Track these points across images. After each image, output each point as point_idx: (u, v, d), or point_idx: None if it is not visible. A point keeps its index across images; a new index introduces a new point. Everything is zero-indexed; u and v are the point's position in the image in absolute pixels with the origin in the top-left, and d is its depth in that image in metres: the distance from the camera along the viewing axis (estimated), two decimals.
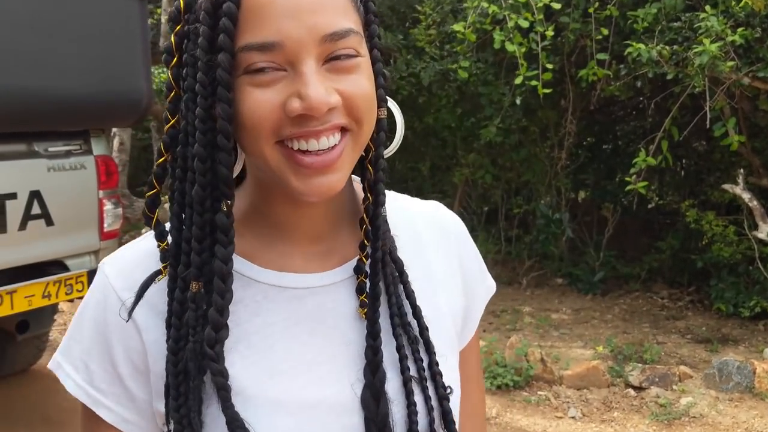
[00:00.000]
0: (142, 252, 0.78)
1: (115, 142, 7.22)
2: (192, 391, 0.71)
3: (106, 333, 0.76)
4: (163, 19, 6.94)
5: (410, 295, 0.79)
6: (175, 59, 0.70)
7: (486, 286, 0.91)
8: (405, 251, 0.81)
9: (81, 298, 3.70)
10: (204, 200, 0.69)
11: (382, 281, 0.76)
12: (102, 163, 3.89)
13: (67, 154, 3.71)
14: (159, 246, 0.74)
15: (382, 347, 0.75)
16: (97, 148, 3.90)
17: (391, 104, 0.79)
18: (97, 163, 3.85)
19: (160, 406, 0.74)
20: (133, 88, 3.79)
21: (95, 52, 3.59)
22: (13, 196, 3.40)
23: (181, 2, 0.70)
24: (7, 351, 4.28)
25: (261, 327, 0.75)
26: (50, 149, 3.63)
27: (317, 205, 0.75)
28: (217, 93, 0.66)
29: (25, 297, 3.42)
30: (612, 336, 5.23)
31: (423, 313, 0.79)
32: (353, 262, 0.78)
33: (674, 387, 4.32)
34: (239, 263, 0.75)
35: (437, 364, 0.78)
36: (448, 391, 0.78)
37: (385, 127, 0.76)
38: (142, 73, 3.82)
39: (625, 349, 4.85)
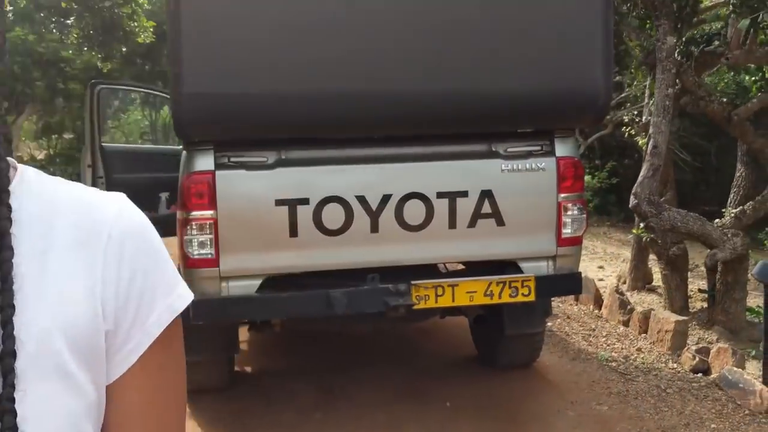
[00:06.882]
0: None
1: (650, 145, 6.81)
2: None
3: None
4: None
5: (4, 309, 0.69)
6: None
7: (164, 306, 0.74)
8: (22, 246, 0.72)
9: (527, 302, 3.60)
10: None
11: None
12: (565, 165, 3.68)
13: (527, 155, 3.63)
14: None
15: None
16: (562, 149, 3.71)
17: None
18: (559, 165, 3.66)
19: None
20: (588, 85, 3.46)
21: (551, 46, 3.41)
22: (464, 194, 3.53)
23: None
24: (498, 345, 4.42)
25: None
26: (509, 150, 3.62)
27: None
28: None
29: (467, 292, 3.51)
30: None
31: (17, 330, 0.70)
32: None
33: None
34: None
35: (10, 399, 0.67)
36: None
37: None
38: (599, 67, 3.45)
39: None
